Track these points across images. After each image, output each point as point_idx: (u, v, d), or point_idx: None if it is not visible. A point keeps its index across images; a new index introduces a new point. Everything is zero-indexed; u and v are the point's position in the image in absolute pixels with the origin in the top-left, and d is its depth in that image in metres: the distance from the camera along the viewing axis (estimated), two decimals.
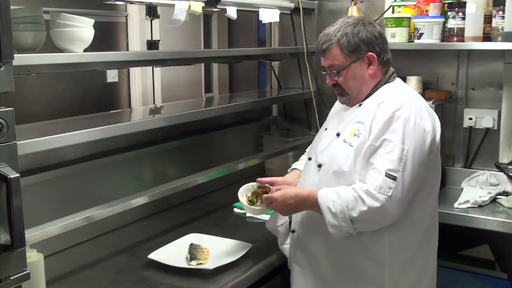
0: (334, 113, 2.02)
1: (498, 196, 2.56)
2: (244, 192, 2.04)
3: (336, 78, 1.83)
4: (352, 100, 1.86)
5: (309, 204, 1.78)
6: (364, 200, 1.65)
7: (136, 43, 3.16)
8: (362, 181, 1.69)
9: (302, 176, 1.98)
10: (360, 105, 1.83)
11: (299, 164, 2.11)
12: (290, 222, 1.98)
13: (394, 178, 1.65)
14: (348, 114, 1.87)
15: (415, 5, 2.68)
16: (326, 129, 1.96)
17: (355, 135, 1.76)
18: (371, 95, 1.82)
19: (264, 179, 2.04)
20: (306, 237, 1.88)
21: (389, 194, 1.64)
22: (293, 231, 1.94)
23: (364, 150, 1.72)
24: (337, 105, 2.00)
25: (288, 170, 2.16)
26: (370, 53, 1.79)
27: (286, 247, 2.00)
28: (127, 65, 2.67)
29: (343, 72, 1.81)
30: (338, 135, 1.83)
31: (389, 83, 1.84)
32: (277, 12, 2.71)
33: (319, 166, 1.84)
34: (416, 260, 1.82)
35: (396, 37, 2.66)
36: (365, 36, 1.77)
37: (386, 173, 1.65)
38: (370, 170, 1.68)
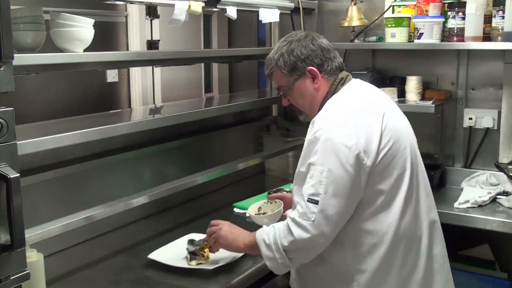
0: None
1: (498, 196, 2.56)
2: (254, 208, 2.07)
3: (287, 99, 1.84)
4: (309, 116, 1.82)
5: (248, 240, 1.78)
6: (291, 229, 1.62)
7: (136, 43, 3.17)
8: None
9: None
10: (311, 123, 1.77)
11: None
12: None
13: (316, 202, 1.59)
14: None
15: (415, 5, 2.68)
16: None
17: None
18: (321, 109, 1.77)
19: (274, 195, 2.07)
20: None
21: (312, 219, 1.59)
22: None
23: (295, 176, 1.72)
24: None
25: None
26: (310, 67, 1.75)
27: None
28: (127, 65, 2.68)
29: (290, 92, 1.81)
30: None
31: (336, 93, 1.76)
32: (277, 12, 2.71)
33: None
34: (388, 275, 1.70)
35: (396, 37, 2.66)
36: (300, 53, 1.75)
37: (308, 198, 1.60)
38: (300, 198, 1.66)
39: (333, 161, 1.60)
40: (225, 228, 1.86)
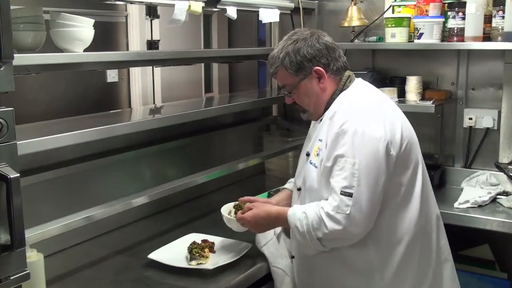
0: (309, 132, 1.97)
1: (498, 196, 2.56)
2: (227, 210, 2.04)
3: (291, 97, 1.84)
4: (313, 115, 1.85)
5: (281, 222, 1.81)
6: (325, 223, 1.64)
7: (136, 43, 3.17)
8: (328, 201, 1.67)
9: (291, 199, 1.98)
10: (320, 120, 1.80)
11: (289, 183, 2.11)
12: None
13: (350, 195, 1.61)
14: (313, 132, 1.85)
15: (415, 5, 2.68)
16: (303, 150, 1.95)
17: (317, 155, 1.75)
18: (328, 107, 1.78)
19: (245, 198, 2.04)
20: (303, 261, 1.87)
21: (347, 212, 1.61)
22: (292, 257, 1.95)
23: (321, 171, 1.71)
24: (312, 123, 1.95)
25: (280, 188, 2.18)
26: (316, 67, 1.75)
27: (275, 269, 1.96)
28: (127, 65, 2.68)
29: (295, 91, 1.81)
30: (307, 155, 1.83)
31: (344, 91, 1.78)
32: (277, 12, 2.71)
33: (299, 189, 1.86)
34: (409, 269, 1.74)
35: (396, 37, 2.66)
36: (306, 52, 1.74)
37: (341, 191, 1.62)
38: (330, 191, 1.66)
39: (364, 152, 1.61)
40: (254, 219, 1.85)
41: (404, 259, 1.71)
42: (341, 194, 1.61)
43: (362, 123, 1.64)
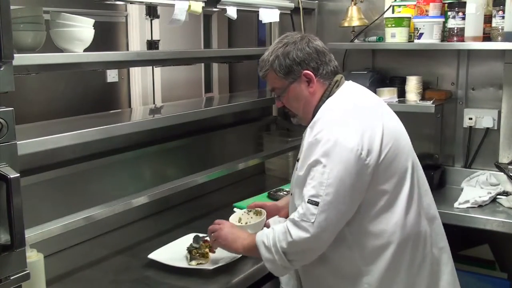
0: (302, 138, 1.92)
1: (498, 196, 2.56)
2: (235, 218, 2.03)
3: (281, 101, 1.83)
4: (303, 120, 1.83)
5: (247, 242, 1.76)
6: (289, 231, 1.61)
7: (136, 43, 3.17)
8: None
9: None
10: (310, 126, 1.76)
11: None
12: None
13: (317, 204, 1.57)
14: (303, 138, 1.83)
15: (415, 5, 2.68)
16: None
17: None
18: (316, 112, 1.75)
19: (253, 204, 2.04)
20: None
21: (312, 220, 1.57)
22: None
23: (295, 181, 1.70)
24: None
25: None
26: (305, 71, 1.73)
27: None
28: (127, 65, 2.68)
29: (284, 95, 1.80)
30: (297, 160, 1.80)
31: (331, 96, 1.75)
32: (277, 12, 2.71)
33: (291, 194, 1.84)
34: (398, 274, 1.69)
35: (396, 37, 2.66)
36: (295, 56, 1.73)
37: (308, 199, 1.58)
38: (301, 199, 1.64)
39: (334, 162, 1.58)
40: (226, 228, 1.85)
41: (392, 263, 1.68)
42: (308, 202, 1.59)
43: (336, 132, 1.61)
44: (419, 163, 1.81)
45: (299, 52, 1.73)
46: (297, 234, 1.60)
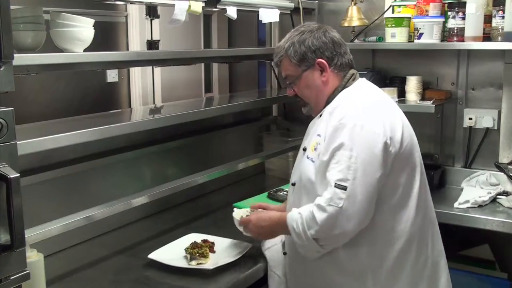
0: (308, 128, 1.95)
1: (498, 196, 2.56)
2: (239, 214, 2.01)
3: (293, 89, 1.84)
4: (314, 109, 1.84)
5: (281, 226, 1.75)
6: (315, 218, 1.60)
7: (136, 43, 3.17)
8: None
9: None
10: (320, 115, 1.79)
11: None
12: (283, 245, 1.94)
13: (345, 188, 1.57)
14: (311, 127, 1.84)
15: (415, 5, 2.68)
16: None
17: (315, 149, 1.72)
18: (329, 103, 1.77)
19: (257, 204, 2.06)
20: (295, 258, 1.84)
21: (340, 205, 1.56)
22: (284, 253, 1.92)
23: (318, 166, 1.68)
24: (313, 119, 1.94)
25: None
26: (319, 59, 1.75)
27: (272, 274, 1.95)
28: (127, 65, 2.68)
29: (297, 82, 1.81)
30: (304, 150, 1.81)
31: (347, 88, 1.77)
32: (277, 12, 2.71)
33: (293, 184, 1.84)
34: (403, 272, 1.70)
35: (396, 37, 2.66)
36: (311, 44, 1.74)
37: (335, 183, 1.58)
38: (326, 184, 1.62)
39: (362, 146, 1.58)
40: (252, 225, 1.85)
41: (398, 260, 1.69)
42: (335, 186, 1.58)
43: (362, 117, 1.62)
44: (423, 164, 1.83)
45: (315, 40, 1.75)
46: (325, 220, 1.58)
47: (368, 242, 1.67)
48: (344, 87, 1.78)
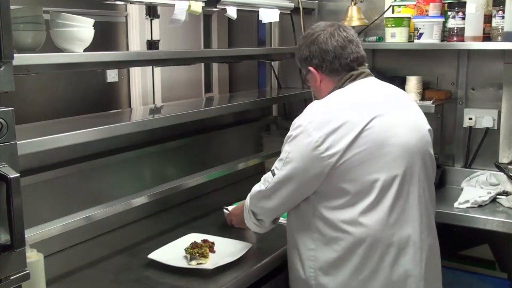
0: None
1: (498, 196, 2.56)
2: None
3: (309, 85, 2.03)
4: None
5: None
6: (251, 190, 1.93)
7: (136, 43, 3.17)
8: None
9: None
10: None
11: None
12: None
13: (274, 174, 1.80)
14: None
15: (415, 5, 2.68)
16: None
17: None
18: None
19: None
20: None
21: (266, 186, 1.83)
22: None
23: None
24: None
25: None
26: (309, 67, 1.89)
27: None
28: (127, 65, 2.68)
29: (308, 82, 2.00)
30: None
31: (338, 89, 1.83)
32: (277, 12, 2.71)
33: None
34: (343, 272, 1.72)
35: (396, 37, 2.66)
36: (302, 53, 1.90)
37: (272, 169, 1.83)
38: None
39: (295, 146, 1.74)
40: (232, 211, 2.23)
41: (341, 259, 1.72)
42: (271, 171, 1.83)
43: (309, 121, 1.73)
44: (413, 178, 1.75)
45: (306, 49, 1.88)
46: (254, 194, 1.91)
47: (317, 230, 1.76)
48: (340, 87, 1.83)
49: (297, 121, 1.78)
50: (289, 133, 1.79)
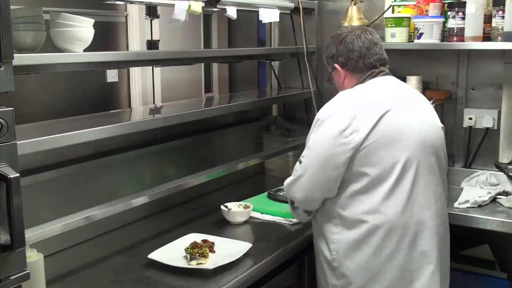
0: None
1: (498, 196, 2.56)
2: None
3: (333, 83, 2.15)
4: None
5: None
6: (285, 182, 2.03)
7: (136, 43, 3.17)
8: None
9: None
10: None
11: None
12: None
13: (301, 162, 1.92)
14: None
15: (415, 5, 2.68)
16: None
17: None
18: None
19: None
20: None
21: (296, 175, 1.94)
22: None
23: None
24: None
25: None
26: (335, 64, 2.04)
27: None
28: (127, 65, 2.68)
29: (332, 79, 2.13)
30: None
31: (360, 84, 1.99)
32: (277, 12, 2.71)
33: None
34: (362, 253, 1.85)
35: (396, 37, 2.66)
36: (330, 51, 2.05)
37: (299, 159, 1.94)
38: None
39: (321, 132, 1.86)
40: None
41: (359, 242, 1.85)
42: (298, 161, 1.94)
43: (332, 110, 1.88)
44: (428, 166, 1.90)
45: (333, 48, 2.04)
46: (287, 184, 2.01)
47: (339, 217, 1.89)
48: (362, 83, 1.99)
49: (322, 110, 1.91)
50: (314, 122, 1.91)
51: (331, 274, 1.93)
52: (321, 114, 1.90)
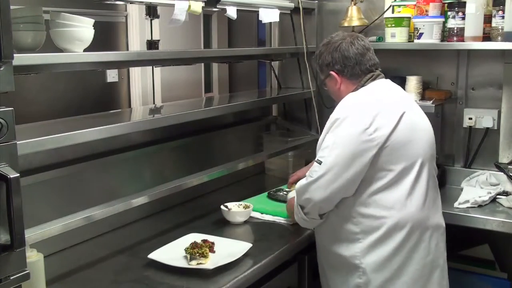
0: None
1: (498, 196, 2.56)
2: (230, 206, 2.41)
3: (325, 89, 2.15)
4: None
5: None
6: (297, 184, 1.99)
7: (136, 43, 3.18)
8: None
9: None
10: None
11: None
12: None
13: (320, 163, 1.87)
14: None
15: (415, 5, 2.68)
16: None
17: None
18: None
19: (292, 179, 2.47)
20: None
21: (314, 177, 1.88)
22: None
23: (317, 147, 1.98)
24: None
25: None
26: (331, 72, 2.03)
27: None
28: (127, 65, 2.68)
29: (324, 85, 2.12)
30: None
31: (363, 87, 2.00)
32: (277, 12, 2.71)
33: None
34: (385, 248, 1.88)
35: (396, 37, 2.66)
36: (325, 59, 2.04)
37: (317, 159, 1.89)
38: None
39: (342, 132, 1.85)
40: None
41: (383, 240, 1.87)
42: (316, 161, 1.89)
43: (350, 112, 1.88)
44: (433, 164, 2.00)
45: (328, 55, 2.03)
46: (301, 186, 1.95)
47: (359, 215, 1.89)
48: (363, 86, 2.00)
49: (339, 110, 1.90)
50: (328, 124, 1.90)
51: (353, 274, 1.92)
52: (339, 114, 1.89)
